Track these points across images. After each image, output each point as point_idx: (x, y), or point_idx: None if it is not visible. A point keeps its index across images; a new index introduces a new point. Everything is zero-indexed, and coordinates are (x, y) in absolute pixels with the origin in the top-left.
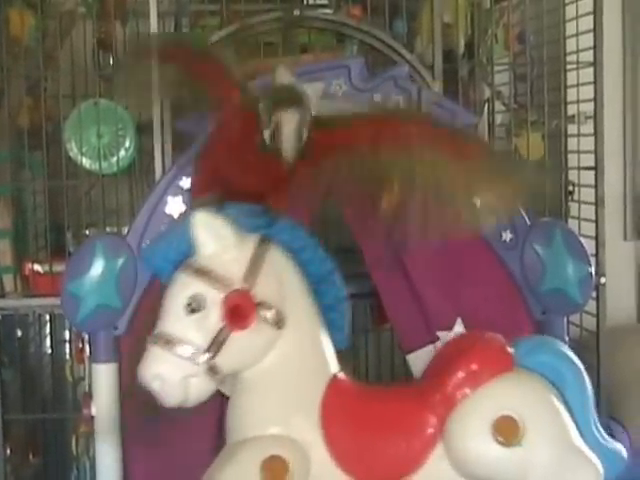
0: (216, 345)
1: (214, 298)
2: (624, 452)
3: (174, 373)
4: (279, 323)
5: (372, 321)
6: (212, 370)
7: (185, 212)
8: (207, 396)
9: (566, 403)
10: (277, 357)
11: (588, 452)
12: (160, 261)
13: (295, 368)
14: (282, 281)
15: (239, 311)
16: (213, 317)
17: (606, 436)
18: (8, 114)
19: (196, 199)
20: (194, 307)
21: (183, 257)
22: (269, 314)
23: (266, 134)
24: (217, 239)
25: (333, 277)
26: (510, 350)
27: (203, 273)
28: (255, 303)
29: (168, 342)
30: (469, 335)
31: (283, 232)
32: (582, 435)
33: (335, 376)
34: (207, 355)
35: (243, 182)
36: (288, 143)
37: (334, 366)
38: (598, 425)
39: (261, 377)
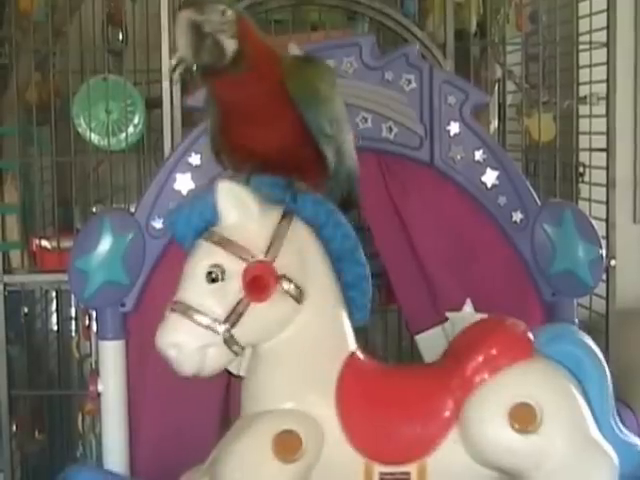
0: (235, 315)
1: (235, 268)
2: None
3: (191, 342)
4: (299, 297)
5: (380, 301)
6: (230, 341)
7: (210, 182)
8: (223, 367)
9: (585, 394)
10: (295, 331)
11: (604, 444)
12: (182, 227)
13: (313, 343)
14: (304, 255)
15: (259, 282)
16: (233, 287)
17: (624, 429)
18: (16, 89)
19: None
20: (214, 276)
21: (206, 225)
22: (289, 287)
23: None
24: (240, 209)
25: (356, 254)
26: (531, 337)
27: (225, 242)
28: (276, 275)
29: (186, 310)
30: (490, 319)
31: (307, 206)
32: (599, 427)
33: (353, 354)
34: (225, 325)
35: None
36: (180, 46)
37: (352, 344)
38: (616, 418)
39: (278, 351)
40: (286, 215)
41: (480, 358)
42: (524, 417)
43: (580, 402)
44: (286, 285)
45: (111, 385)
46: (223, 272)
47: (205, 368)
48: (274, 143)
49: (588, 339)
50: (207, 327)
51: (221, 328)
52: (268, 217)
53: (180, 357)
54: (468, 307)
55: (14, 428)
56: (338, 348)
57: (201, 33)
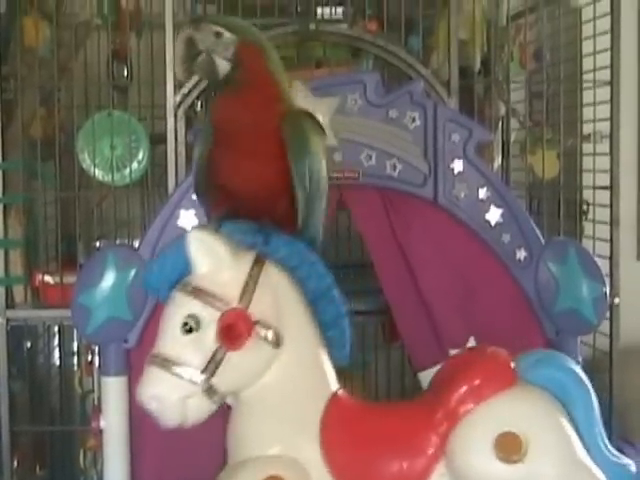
0: (213, 365)
1: (210, 318)
2: (633, 467)
3: (171, 394)
4: (276, 342)
5: (383, 338)
6: (210, 390)
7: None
8: (206, 416)
9: (571, 417)
10: (275, 376)
11: (594, 468)
12: (157, 280)
13: (294, 387)
14: (279, 299)
15: (233, 331)
16: (209, 337)
17: (614, 451)
18: (21, 124)
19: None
20: (190, 327)
21: (179, 276)
22: (266, 333)
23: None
24: (212, 258)
25: (332, 293)
26: (513, 364)
27: (198, 292)
28: (251, 322)
29: (165, 362)
30: (472, 350)
31: (279, 249)
32: (588, 450)
33: (335, 394)
34: (204, 375)
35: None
36: (175, 58)
37: (334, 384)
38: (605, 439)
39: (259, 396)
40: (259, 259)
41: (463, 389)
42: (510, 446)
43: (566, 426)
44: (262, 331)
45: (113, 421)
46: (198, 322)
47: (188, 418)
48: (257, 181)
49: (571, 362)
50: (186, 378)
51: (200, 378)
52: (240, 263)
53: (161, 409)
54: (471, 344)
55: (15, 464)
56: (320, 389)
57: (195, 49)
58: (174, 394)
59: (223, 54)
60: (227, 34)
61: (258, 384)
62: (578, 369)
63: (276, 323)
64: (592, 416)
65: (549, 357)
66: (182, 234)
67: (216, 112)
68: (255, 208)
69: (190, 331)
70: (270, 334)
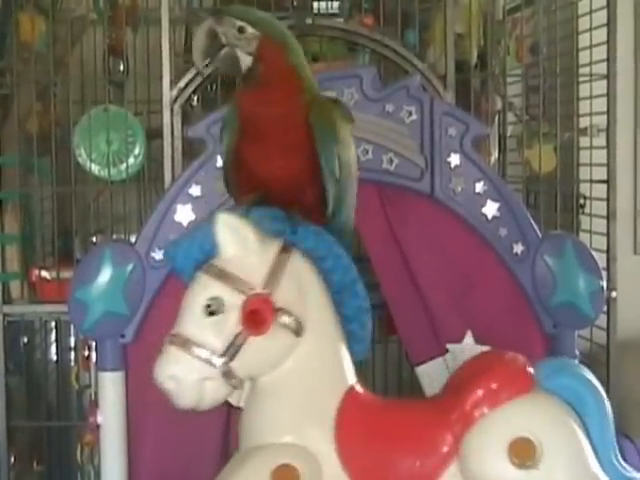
0: (233, 349)
1: (233, 301)
2: None
3: (189, 375)
4: (298, 330)
5: (380, 332)
6: (228, 374)
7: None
8: (221, 400)
9: (586, 429)
10: (294, 365)
11: (605, 479)
12: (182, 259)
13: (312, 377)
14: (303, 288)
15: (257, 316)
16: (231, 321)
17: (625, 465)
18: (17, 119)
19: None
20: (213, 309)
21: (206, 257)
22: (288, 320)
23: None
24: (239, 242)
25: (356, 287)
26: (531, 371)
27: (224, 275)
28: (274, 309)
29: (185, 343)
30: (490, 353)
31: (307, 239)
32: (600, 462)
33: (352, 387)
34: (224, 358)
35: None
36: (195, 49)
37: (351, 377)
38: (617, 453)
39: (277, 384)
40: (285, 248)
41: (480, 392)
42: (523, 452)
43: (580, 437)
44: (285, 318)
45: (110, 416)
46: (222, 305)
47: (203, 401)
48: (284, 171)
49: (589, 373)
50: (205, 360)
51: (219, 361)
52: (267, 250)
53: (178, 390)
54: (468, 339)
55: (12, 459)
56: (337, 382)
57: (217, 42)
58: (192, 375)
59: (246, 48)
60: (249, 29)
61: (277, 371)
62: (595, 380)
63: (299, 312)
64: (606, 428)
65: (567, 366)
66: (212, 216)
67: (242, 106)
68: (283, 198)
69: (213, 313)
70: (292, 322)
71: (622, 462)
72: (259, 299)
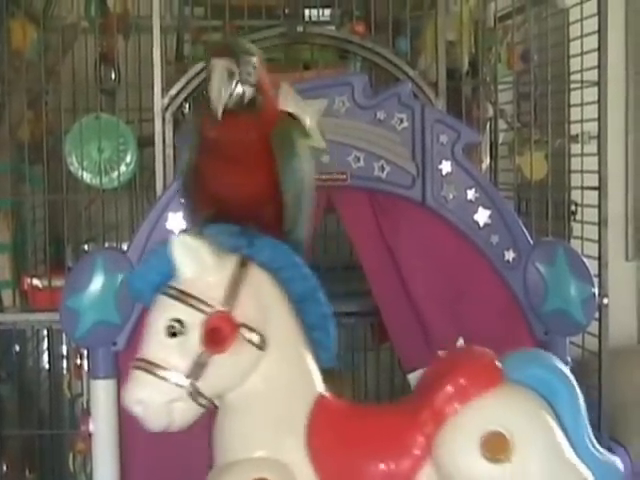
0: (197, 368)
1: (194, 321)
2: (619, 464)
3: (157, 397)
4: (261, 344)
5: (373, 339)
6: (195, 393)
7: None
8: (192, 420)
9: (558, 416)
10: (260, 379)
11: (581, 466)
12: (141, 284)
13: (279, 389)
14: (263, 301)
15: (217, 334)
16: (193, 341)
17: (601, 449)
18: (9, 127)
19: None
20: (174, 331)
21: (164, 280)
22: (250, 336)
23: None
24: (196, 261)
25: (317, 295)
26: (499, 364)
27: (183, 296)
28: (235, 325)
29: (150, 366)
30: (458, 350)
31: (263, 251)
32: (575, 449)
33: (321, 396)
34: (189, 379)
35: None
36: (212, 93)
37: (320, 386)
38: (592, 438)
39: (245, 399)
40: (243, 262)
41: (449, 389)
42: (496, 446)
43: (552, 426)
44: (246, 333)
45: (102, 424)
46: (183, 326)
47: (174, 423)
48: (244, 190)
49: (557, 361)
50: (171, 382)
51: (185, 382)
52: (224, 266)
53: (147, 413)
54: (460, 346)
55: (4, 468)
56: (305, 391)
57: (232, 82)
58: (160, 398)
59: (251, 81)
60: (256, 62)
61: (244, 387)
62: (564, 368)
63: (261, 325)
64: (578, 415)
65: (535, 356)
66: (166, 238)
67: (207, 128)
68: (242, 214)
69: (175, 335)
70: (255, 337)
71: (598, 447)
72: (219, 317)
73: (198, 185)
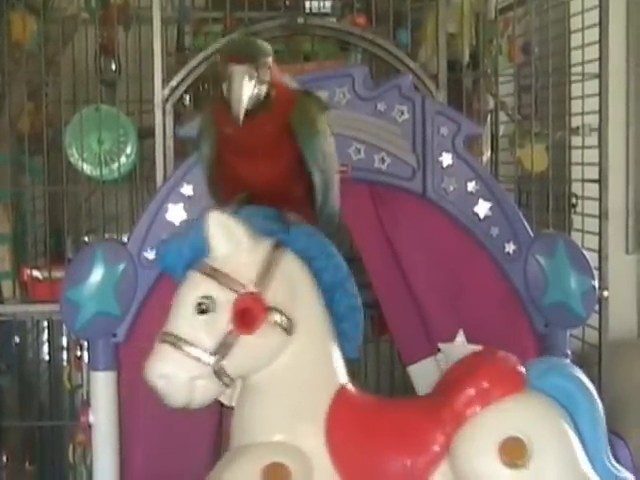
0: (224, 348)
1: (224, 300)
2: None
3: (180, 373)
4: (289, 329)
5: (372, 332)
6: (219, 373)
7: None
8: (212, 399)
9: (577, 429)
10: (285, 363)
11: (596, 479)
12: (173, 258)
13: (303, 376)
14: (294, 287)
15: (248, 315)
16: (222, 319)
17: (617, 465)
18: (9, 119)
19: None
20: (204, 308)
21: (197, 256)
22: (279, 319)
23: (224, 87)
24: (231, 240)
25: (348, 286)
26: (522, 370)
27: (215, 274)
28: (265, 307)
29: (176, 341)
30: (482, 352)
31: (298, 238)
32: (591, 461)
33: (343, 386)
34: (215, 357)
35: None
36: (234, 99)
37: (343, 376)
38: (609, 453)
39: (268, 383)
40: (277, 246)
41: (471, 391)
42: (514, 451)
43: (571, 436)
44: (276, 317)
45: (102, 416)
46: (213, 303)
47: (194, 400)
48: (270, 175)
49: (580, 373)
50: (197, 359)
51: (211, 360)
52: (258, 248)
53: (169, 388)
54: (460, 338)
55: (4, 459)
56: (328, 380)
57: (251, 85)
58: (183, 374)
59: (266, 81)
60: (270, 62)
61: (268, 370)
62: (586, 380)
63: (290, 310)
64: (598, 428)
65: (559, 366)
66: (201, 215)
67: (240, 130)
68: (271, 197)
69: (204, 312)
70: (284, 321)
71: (614, 462)
72: (250, 298)
73: (223, 177)
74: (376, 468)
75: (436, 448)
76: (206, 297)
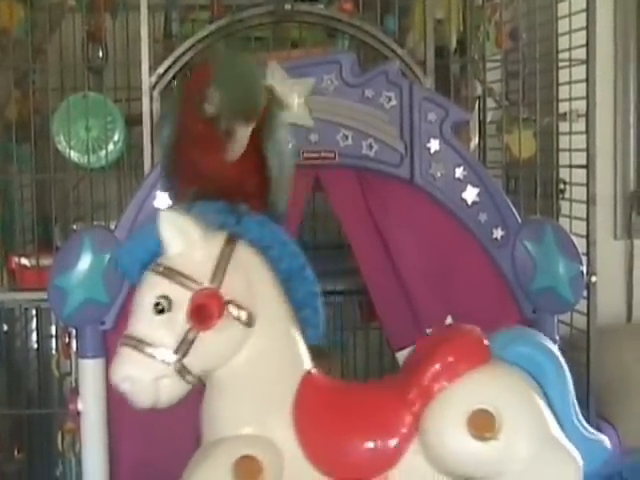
0: (185, 345)
1: (181, 298)
2: (607, 442)
3: (144, 374)
4: (249, 321)
5: (361, 318)
6: (182, 371)
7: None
8: (180, 397)
9: (545, 395)
10: (248, 356)
11: (568, 445)
12: (128, 261)
13: (266, 366)
14: (251, 279)
15: (205, 311)
16: (180, 318)
17: (588, 427)
18: None
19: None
20: (162, 307)
21: (151, 256)
22: (237, 313)
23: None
24: (183, 238)
25: (305, 273)
26: (487, 342)
27: (170, 273)
28: (222, 302)
29: (138, 343)
30: (446, 328)
31: (251, 229)
32: (562, 427)
33: (308, 373)
34: (177, 355)
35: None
36: (235, 153)
37: (307, 363)
38: (580, 417)
39: (232, 376)
40: (230, 239)
41: (437, 366)
42: (483, 423)
43: (539, 404)
44: (234, 310)
45: (91, 403)
46: (170, 303)
47: (160, 399)
48: (227, 166)
49: (545, 339)
50: (158, 359)
51: (172, 359)
52: (211, 243)
53: (134, 390)
54: (449, 324)
55: None
56: (293, 368)
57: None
58: (147, 375)
59: None
60: None
61: (231, 364)
62: (552, 346)
63: (248, 302)
64: (566, 393)
65: (523, 335)
66: (154, 216)
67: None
68: (225, 188)
69: (162, 311)
70: (242, 314)
71: (585, 425)
72: (206, 294)
73: (179, 161)
74: (347, 451)
75: (405, 428)
76: (162, 297)
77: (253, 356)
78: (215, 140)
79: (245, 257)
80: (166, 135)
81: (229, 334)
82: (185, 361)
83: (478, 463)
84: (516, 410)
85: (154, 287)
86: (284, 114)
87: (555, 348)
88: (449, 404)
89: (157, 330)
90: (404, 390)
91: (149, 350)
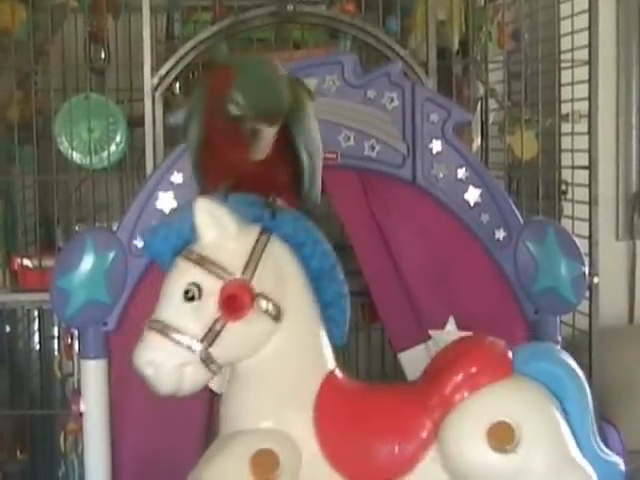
0: (212, 335)
1: (212, 287)
2: (622, 465)
3: (169, 360)
4: (277, 316)
5: (363, 319)
6: (207, 360)
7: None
8: (201, 386)
9: (565, 413)
10: (273, 350)
11: (584, 464)
12: (160, 246)
13: (291, 362)
14: (282, 274)
15: (235, 301)
16: (210, 306)
17: (605, 449)
18: None
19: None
20: (191, 295)
21: (184, 243)
22: (267, 306)
23: (248, 134)
24: (218, 227)
25: (335, 273)
26: (510, 355)
27: (202, 261)
28: (253, 294)
29: (164, 329)
30: (470, 338)
31: (285, 225)
32: (579, 446)
33: (331, 372)
34: (203, 344)
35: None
36: (259, 153)
37: (331, 362)
38: (597, 437)
39: (256, 369)
40: (264, 233)
41: (459, 377)
42: (502, 436)
43: (559, 421)
44: (263, 303)
45: (93, 404)
46: (200, 290)
47: (183, 387)
48: (257, 160)
49: (568, 357)
50: (184, 346)
51: (198, 347)
52: (246, 235)
53: (157, 375)
54: (451, 325)
55: None
56: (316, 367)
57: None
58: (171, 361)
59: None
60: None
61: (256, 357)
62: (575, 365)
63: (278, 297)
64: (586, 412)
65: (546, 351)
66: (189, 202)
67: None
68: (257, 183)
69: (192, 299)
70: (271, 307)
71: (602, 446)
72: (237, 284)
73: (209, 162)
74: (364, 454)
75: (424, 434)
76: (193, 284)
77: (278, 351)
78: (243, 137)
79: (278, 252)
80: (194, 135)
81: (257, 327)
82: (211, 350)
83: (496, 475)
84: (536, 425)
85: (185, 274)
86: (312, 105)
87: (577, 366)
88: (469, 415)
89: (185, 317)
90: (425, 396)
91: (175, 336)
